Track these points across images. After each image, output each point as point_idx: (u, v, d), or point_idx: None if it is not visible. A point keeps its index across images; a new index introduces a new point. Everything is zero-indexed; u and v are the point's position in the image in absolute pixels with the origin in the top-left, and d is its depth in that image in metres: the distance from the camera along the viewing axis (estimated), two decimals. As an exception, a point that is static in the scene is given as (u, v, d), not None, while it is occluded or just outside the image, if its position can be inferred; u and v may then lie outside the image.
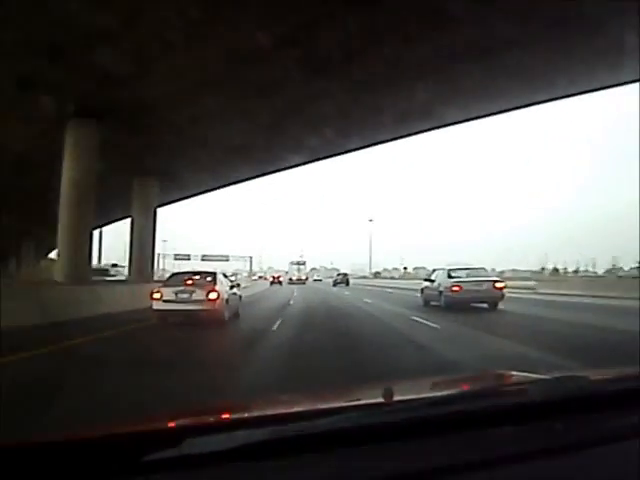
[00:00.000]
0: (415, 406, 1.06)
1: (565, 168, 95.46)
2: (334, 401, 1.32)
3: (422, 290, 16.42)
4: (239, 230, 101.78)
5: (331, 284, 44.29)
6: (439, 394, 1.16)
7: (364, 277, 75.33)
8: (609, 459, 0.95)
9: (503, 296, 13.56)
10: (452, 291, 13.44)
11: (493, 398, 1.11)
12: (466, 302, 13.27)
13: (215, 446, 0.86)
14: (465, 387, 1.29)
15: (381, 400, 1.14)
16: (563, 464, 0.93)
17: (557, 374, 1.31)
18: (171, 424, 1.03)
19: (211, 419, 1.10)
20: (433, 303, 14.90)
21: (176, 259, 67.25)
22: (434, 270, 16.29)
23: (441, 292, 14.02)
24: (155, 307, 10.05)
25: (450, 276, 14.04)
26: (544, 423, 1.03)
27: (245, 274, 69.22)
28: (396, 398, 1.17)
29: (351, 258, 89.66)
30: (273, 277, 58.32)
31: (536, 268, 60.72)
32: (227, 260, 68.86)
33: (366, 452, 0.92)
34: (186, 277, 11.08)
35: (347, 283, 43.65)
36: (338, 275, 50.57)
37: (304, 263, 62.51)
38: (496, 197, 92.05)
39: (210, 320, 9.66)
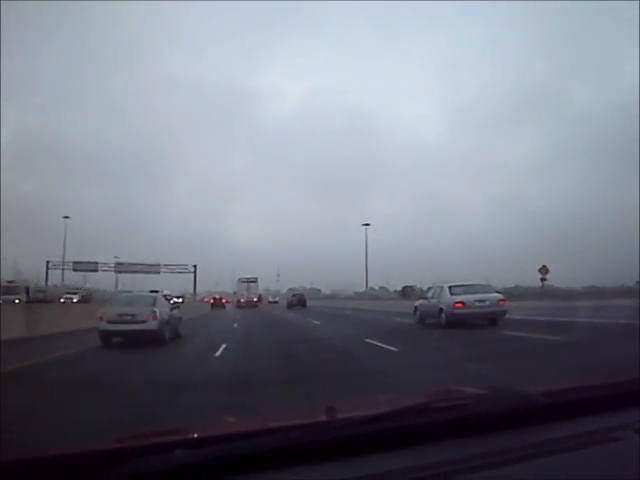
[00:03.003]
0: (357, 422, 1.20)
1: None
2: (278, 420, 1.50)
3: (416, 308, 18.32)
4: (183, 233, 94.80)
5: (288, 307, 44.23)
6: (381, 411, 1.28)
7: (349, 298, 75.00)
8: (550, 471, 1.10)
9: (506, 312, 15.10)
10: (454, 307, 14.94)
11: (436, 412, 1.28)
12: (469, 318, 14.96)
13: (158, 466, 1.02)
14: (408, 403, 1.41)
15: (324, 418, 1.33)
16: (504, 476, 1.08)
17: (500, 389, 1.56)
18: (116, 445, 1.21)
19: (155, 440, 1.26)
20: (429, 321, 16.64)
21: (76, 270, 57.92)
22: (429, 288, 17.81)
23: (441, 309, 15.54)
24: (100, 328, 12.31)
25: (452, 292, 15.54)
26: (485, 436, 1.21)
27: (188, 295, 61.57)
28: (339, 416, 1.35)
29: (333, 277, 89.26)
30: (214, 299, 55.27)
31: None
32: (157, 272, 58.91)
33: (309, 470, 1.08)
34: (129, 298, 13.77)
35: (304, 305, 43.79)
36: (293, 296, 48.50)
37: (255, 280, 56.30)
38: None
39: (151, 340, 11.79)
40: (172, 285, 64.67)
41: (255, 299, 53.64)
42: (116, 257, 59.94)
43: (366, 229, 53.74)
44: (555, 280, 62.35)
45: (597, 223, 68.14)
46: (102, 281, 68.11)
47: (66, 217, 52.50)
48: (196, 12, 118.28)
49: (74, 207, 76.72)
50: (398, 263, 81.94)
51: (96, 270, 59.09)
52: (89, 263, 58.27)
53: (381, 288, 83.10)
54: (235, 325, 20.59)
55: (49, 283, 55.83)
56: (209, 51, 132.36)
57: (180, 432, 1.40)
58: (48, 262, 57.44)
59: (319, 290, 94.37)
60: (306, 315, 28.71)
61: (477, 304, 15.06)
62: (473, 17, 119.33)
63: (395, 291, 78.00)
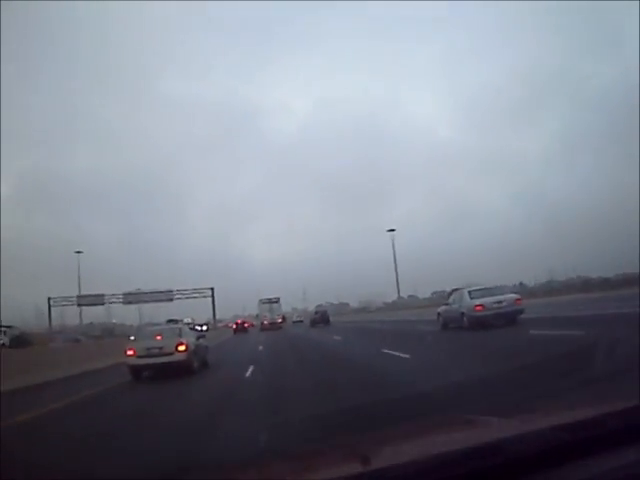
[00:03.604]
0: (394, 477, 1.27)
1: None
2: (310, 469, 1.54)
3: (439, 314, 20.06)
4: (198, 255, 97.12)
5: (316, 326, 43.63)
6: (420, 457, 1.37)
7: (379, 309, 74.94)
8: None
9: (523, 311, 16.53)
10: (475, 310, 16.53)
11: (470, 460, 1.32)
12: (489, 320, 16.45)
13: None
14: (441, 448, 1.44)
15: (359, 469, 1.40)
16: None
17: (519, 422, 1.61)
18: None
19: None
20: (452, 325, 18.21)
21: (80, 304, 55.47)
22: (450, 293, 19.40)
23: (463, 313, 17.02)
24: (129, 362, 12.84)
25: (471, 297, 17.10)
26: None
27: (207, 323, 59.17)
28: (374, 464, 1.42)
29: (360, 290, 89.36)
30: (236, 324, 55.42)
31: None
32: (170, 300, 57.61)
33: None
34: (155, 331, 14.36)
35: (327, 321, 44.75)
36: (316, 313, 49.89)
37: (277, 300, 54.93)
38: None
39: (180, 370, 12.27)
40: (194, 312, 64.36)
41: (279, 320, 52.68)
42: (138, 289, 59.16)
43: (392, 235, 54.70)
44: (590, 270, 61.80)
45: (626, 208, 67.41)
46: (126, 315, 69.48)
47: (78, 252, 52.98)
48: (196, 33, 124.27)
49: (85, 242, 79.40)
50: (425, 269, 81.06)
51: (103, 303, 56.94)
52: (94, 296, 55.47)
53: (410, 296, 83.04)
54: (250, 370, 12.75)
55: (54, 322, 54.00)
56: (212, 71, 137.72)
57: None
58: (50, 299, 55.39)
59: (347, 304, 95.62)
60: (350, 337, 22.81)
61: (495, 305, 16.61)
62: (478, 8, 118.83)
63: (424, 298, 78.13)
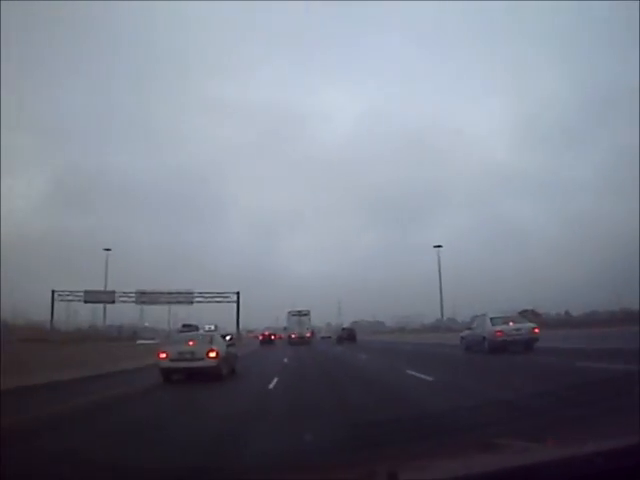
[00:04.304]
0: None
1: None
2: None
3: (462, 338, 21.97)
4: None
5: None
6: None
7: (416, 331, 74.29)
8: None
9: (538, 339, 18.13)
10: (496, 336, 18.21)
11: None
12: (508, 345, 18.18)
13: None
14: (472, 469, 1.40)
15: None
16: None
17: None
18: None
19: None
20: (474, 349, 20.15)
21: (87, 301, 52.72)
22: (473, 319, 21.20)
23: (484, 337, 18.69)
24: (161, 365, 13.75)
25: (493, 323, 18.80)
26: None
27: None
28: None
29: (397, 309, 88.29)
30: (263, 335, 56.47)
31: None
32: (190, 302, 54.34)
33: None
34: (187, 337, 15.59)
35: (353, 339, 46.40)
36: (343, 330, 52.27)
37: (307, 313, 52.41)
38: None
39: (209, 376, 13.08)
40: (217, 318, 61.57)
41: (307, 334, 50.98)
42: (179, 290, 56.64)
43: (438, 252, 52.31)
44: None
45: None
46: (161, 317, 69.26)
47: (107, 249, 52.37)
48: (243, 35, 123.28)
49: (115, 241, 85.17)
50: (467, 292, 76.41)
51: (113, 301, 53.19)
52: (104, 293, 51.81)
53: (449, 319, 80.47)
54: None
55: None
56: (256, 75, 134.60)
57: None
58: (54, 292, 52.14)
59: (383, 323, 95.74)
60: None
61: (514, 332, 18.40)
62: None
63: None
